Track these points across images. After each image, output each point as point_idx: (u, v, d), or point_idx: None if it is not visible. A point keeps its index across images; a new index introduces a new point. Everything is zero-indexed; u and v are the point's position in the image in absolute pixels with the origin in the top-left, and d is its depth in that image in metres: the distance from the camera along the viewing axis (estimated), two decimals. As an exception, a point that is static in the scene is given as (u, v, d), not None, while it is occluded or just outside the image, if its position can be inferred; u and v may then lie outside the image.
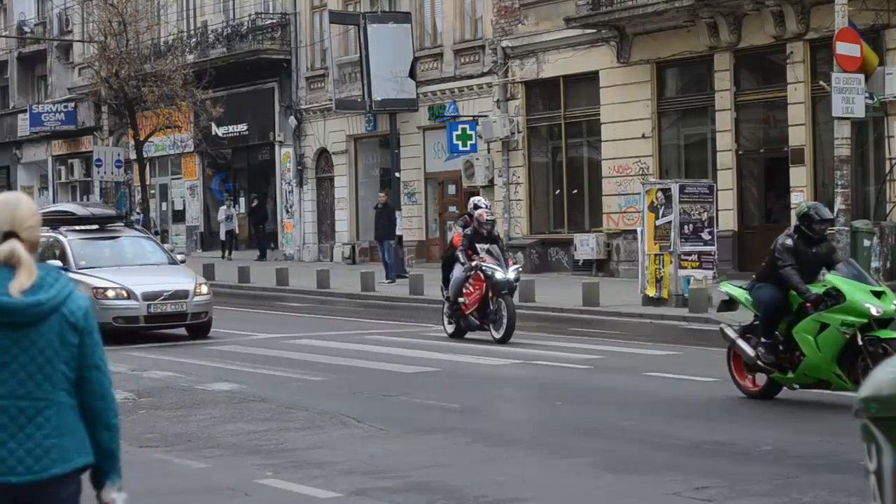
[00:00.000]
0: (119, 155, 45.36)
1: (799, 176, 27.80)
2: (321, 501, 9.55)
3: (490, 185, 35.10)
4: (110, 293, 20.50)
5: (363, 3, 38.84)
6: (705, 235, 24.16)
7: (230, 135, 44.10)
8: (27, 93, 58.57)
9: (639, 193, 26.25)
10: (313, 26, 41.59)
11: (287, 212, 42.92)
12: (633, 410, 13.12)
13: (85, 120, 52.74)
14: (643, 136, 30.98)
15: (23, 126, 56.11)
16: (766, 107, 29.36)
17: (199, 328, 21.28)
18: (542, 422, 12.69)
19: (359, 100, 37.51)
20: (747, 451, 10.87)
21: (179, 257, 23.57)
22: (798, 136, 27.75)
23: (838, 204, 21.53)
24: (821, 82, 25.79)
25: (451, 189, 37.25)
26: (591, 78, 32.39)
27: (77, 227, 22.23)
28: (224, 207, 42.72)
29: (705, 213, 24.23)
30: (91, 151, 48.70)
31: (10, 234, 4.51)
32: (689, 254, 24.03)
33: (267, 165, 44.11)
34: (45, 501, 4.50)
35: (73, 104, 53.03)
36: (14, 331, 4.45)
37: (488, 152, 35.03)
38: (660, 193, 24.32)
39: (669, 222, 24.03)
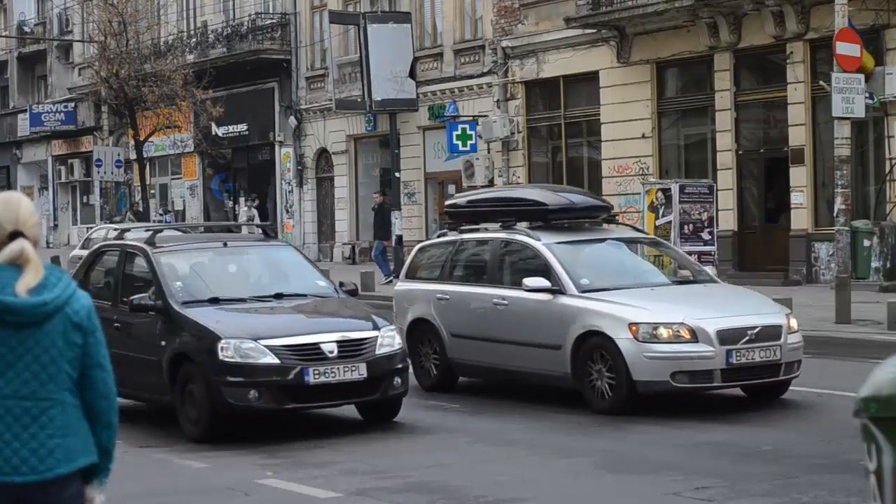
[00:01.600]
0: (119, 155, 45.37)
1: (799, 176, 27.80)
2: (321, 501, 9.56)
3: (490, 185, 35.10)
4: (663, 332, 12.75)
5: (363, 3, 38.84)
6: (705, 235, 24.16)
7: (230, 135, 44.11)
8: (27, 93, 58.60)
9: (639, 193, 26.25)
10: (313, 26, 41.59)
11: (287, 212, 42.94)
12: (633, 410, 13.11)
13: (85, 120, 52.76)
14: (643, 136, 30.98)
15: (23, 126, 56.16)
16: (766, 107, 29.35)
17: (782, 387, 13.54)
18: (542, 422, 12.69)
19: (359, 100, 37.51)
20: (747, 451, 10.87)
21: (711, 270, 15.58)
22: (798, 136, 27.75)
23: (838, 204, 21.51)
24: (821, 82, 25.78)
25: (451, 189, 37.20)
26: (591, 78, 32.39)
27: (546, 226, 14.71)
28: (245, 208, 42.51)
29: (705, 213, 24.23)
30: (91, 151, 48.74)
31: (15, 234, 4.52)
32: (689, 254, 23.98)
33: (267, 165, 44.12)
34: (48, 501, 4.50)
35: (73, 104, 53.06)
36: (19, 331, 4.46)
37: (488, 152, 35.03)
38: (660, 193, 24.32)
39: (669, 222, 24.02)
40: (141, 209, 44.29)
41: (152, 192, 46.96)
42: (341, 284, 13.89)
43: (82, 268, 14.69)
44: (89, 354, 4.60)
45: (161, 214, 44.24)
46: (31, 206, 4.64)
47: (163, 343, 12.45)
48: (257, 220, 41.93)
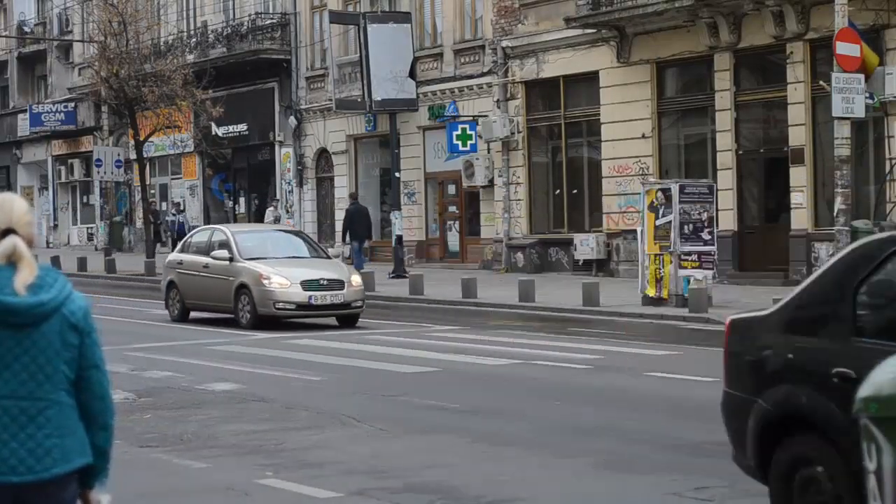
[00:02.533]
0: (119, 155, 45.36)
1: (799, 176, 27.80)
2: (321, 501, 9.55)
3: (490, 185, 35.11)
4: None
5: (363, 3, 38.85)
6: (705, 235, 24.16)
7: (230, 135, 44.11)
8: (27, 93, 58.60)
9: (639, 193, 26.25)
10: (313, 26, 41.60)
11: (287, 212, 42.93)
12: (633, 410, 13.13)
13: (85, 120, 52.76)
14: (643, 136, 30.98)
15: (23, 126, 56.16)
16: (766, 107, 29.35)
17: None
18: (543, 422, 12.69)
19: (359, 100, 37.52)
20: (747, 451, 10.85)
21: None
22: (798, 136, 27.75)
23: (838, 204, 21.52)
24: (821, 82, 25.78)
25: (451, 189, 37.26)
26: (591, 78, 32.39)
27: None
28: (271, 209, 42.34)
29: (705, 213, 24.23)
30: (91, 151, 48.74)
31: (8, 231, 4.53)
32: (688, 254, 24.03)
33: (267, 165, 44.13)
34: (46, 501, 4.51)
35: (73, 104, 53.07)
36: (17, 331, 4.47)
37: (488, 152, 35.03)
38: (660, 193, 24.32)
39: (669, 222, 24.02)
40: (158, 208, 44.29)
41: (152, 191, 46.96)
42: None
43: (842, 277, 7.44)
44: (85, 356, 4.61)
45: (174, 214, 44.06)
46: (26, 206, 4.66)
47: None
48: (284, 221, 41.69)
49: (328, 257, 25.07)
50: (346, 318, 23.08)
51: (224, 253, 23.38)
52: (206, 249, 24.21)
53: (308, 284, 22.46)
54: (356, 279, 23.27)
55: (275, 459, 11.07)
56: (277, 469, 10.65)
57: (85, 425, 4.62)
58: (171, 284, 24.88)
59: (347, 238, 34.66)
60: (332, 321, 23.26)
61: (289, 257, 23.82)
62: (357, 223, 33.62)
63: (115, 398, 10.87)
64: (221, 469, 10.79)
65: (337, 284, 22.69)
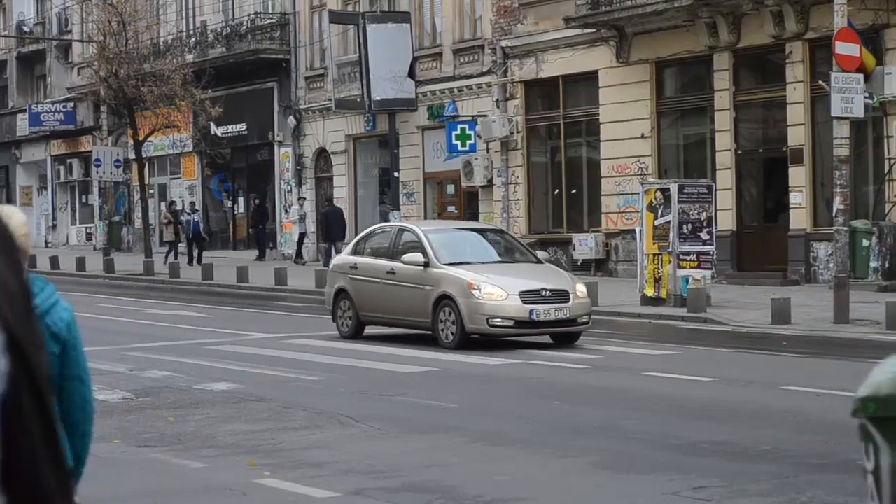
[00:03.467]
0: (118, 154, 45.34)
1: (798, 176, 27.81)
2: (319, 501, 9.55)
3: (489, 184, 35.10)
4: None
5: (362, 2, 38.85)
6: (704, 235, 24.16)
7: (229, 134, 44.11)
8: (26, 92, 58.62)
9: (637, 193, 26.25)
10: (312, 26, 41.61)
11: (286, 212, 42.92)
12: (632, 410, 13.12)
13: (84, 120, 52.76)
14: (642, 136, 30.99)
15: (22, 126, 56.18)
16: (765, 106, 29.36)
17: None
18: (542, 422, 12.68)
19: (358, 99, 37.53)
20: (746, 451, 10.87)
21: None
22: (797, 135, 27.76)
23: (837, 204, 21.51)
24: (820, 82, 25.77)
25: (450, 189, 37.26)
26: (591, 78, 32.40)
27: None
28: (297, 207, 42.16)
29: (704, 213, 24.23)
30: (90, 151, 48.72)
31: None
32: (687, 253, 24.03)
33: (266, 165, 44.13)
34: None
35: (72, 104, 53.07)
36: None
37: (487, 152, 35.03)
38: (658, 193, 24.32)
39: (668, 222, 24.03)
40: (178, 208, 44.21)
41: (151, 191, 46.95)
42: None
43: None
44: (68, 367, 4.65)
45: (188, 214, 44.05)
46: (24, 219, 4.69)
47: None
48: (309, 220, 41.46)
49: (538, 261, 20.69)
50: (566, 335, 19.33)
51: (417, 256, 19.67)
52: (388, 252, 20.51)
53: (528, 296, 18.86)
54: (581, 289, 19.52)
55: (272, 459, 11.06)
56: (275, 469, 10.65)
57: (66, 433, 4.66)
58: (341, 293, 20.97)
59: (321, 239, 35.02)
60: (546, 339, 19.56)
61: (495, 262, 20.21)
62: (332, 225, 33.84)
63: (113, 398, 10.96)
64: (219, 469, 10.78)
65: (561, 296, 19.01)
